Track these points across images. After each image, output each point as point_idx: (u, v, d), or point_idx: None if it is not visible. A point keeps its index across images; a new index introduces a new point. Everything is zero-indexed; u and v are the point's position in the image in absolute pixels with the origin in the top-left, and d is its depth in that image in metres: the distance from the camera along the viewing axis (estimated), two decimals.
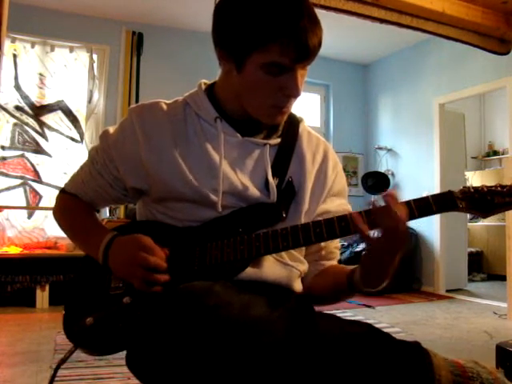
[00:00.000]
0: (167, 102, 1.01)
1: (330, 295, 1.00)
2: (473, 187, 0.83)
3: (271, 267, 0.92)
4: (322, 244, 1.02)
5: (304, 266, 1.01)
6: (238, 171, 0.95)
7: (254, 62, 0.85)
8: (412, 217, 0.82)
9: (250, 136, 0.97)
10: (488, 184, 0.85)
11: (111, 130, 1.02)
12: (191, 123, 0.97)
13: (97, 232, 0.99)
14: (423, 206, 0.83)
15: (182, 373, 0.71)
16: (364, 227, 0.79)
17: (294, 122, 1.04)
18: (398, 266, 0.85)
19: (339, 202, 1.04)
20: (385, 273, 0.85)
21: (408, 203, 0.83)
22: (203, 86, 1.02)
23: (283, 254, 0.94)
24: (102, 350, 0.89)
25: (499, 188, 0.82)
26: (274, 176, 0.95)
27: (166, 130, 0.95)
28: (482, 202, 0.82)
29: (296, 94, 0.88)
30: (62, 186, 1.11)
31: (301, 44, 0.82)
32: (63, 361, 0.88)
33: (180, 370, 0.71)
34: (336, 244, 1.07)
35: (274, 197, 0.93)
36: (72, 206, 1.07)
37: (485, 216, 0.84)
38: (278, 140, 0.99)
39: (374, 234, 0.81)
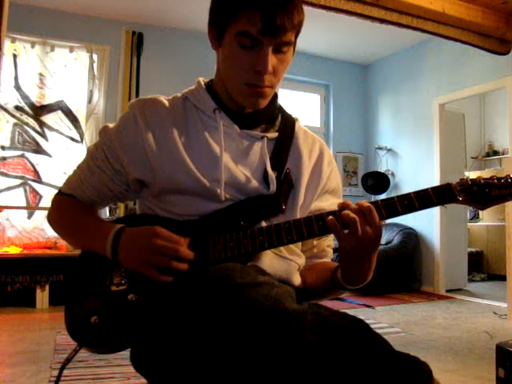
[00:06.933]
0: (166, 97, 1.03)
1: (315, 292, 1.00)
2: (470, 179, 0.84)
3: (270, 261, 0.92)
4: (315, 242, 1.04)
5: (302, 260, 1.01)
6: (237, 163, 0.96)
7: (230, 33, 0.89)
8: (413, 209, 0.84)
9: (248, 129, 0.99)
10: None
11: (111, 125, 1.02)
12: (191, 116, 0.99)
13: (100, 225, 0.97)
14: (423, 198, 0.84)
15: (190, 366, 0.71)
16: (337, 226, 0.82)
17: (289, 120, 1.06)
18: (376, 265, 0.87)
19: (333, 200, 1.04)
20: (362, 271, 0.87)
21: (408, 195, 0.85)
22: (202, 82, 1.04)
23: (281, 247, 0.94)
24: (107, 349, 0.87)
25: (495, 180, 0.83)
26: (272, 169, 0.96)
27: (167, 122, 0.97)
28: (480, 195, 0.83)
29: (263, 70, 0.88)
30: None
31: (267, 16, 0.84)
32: (68, 360, 0.86)
33: (188, 363, 0.71)
34: (329, 242, 1.08)
35: (274, 188, 0.94)
36: (69, 205, 1.04)
37: (482, 208, 0.85)
38: (276, 134, 1.01)
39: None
